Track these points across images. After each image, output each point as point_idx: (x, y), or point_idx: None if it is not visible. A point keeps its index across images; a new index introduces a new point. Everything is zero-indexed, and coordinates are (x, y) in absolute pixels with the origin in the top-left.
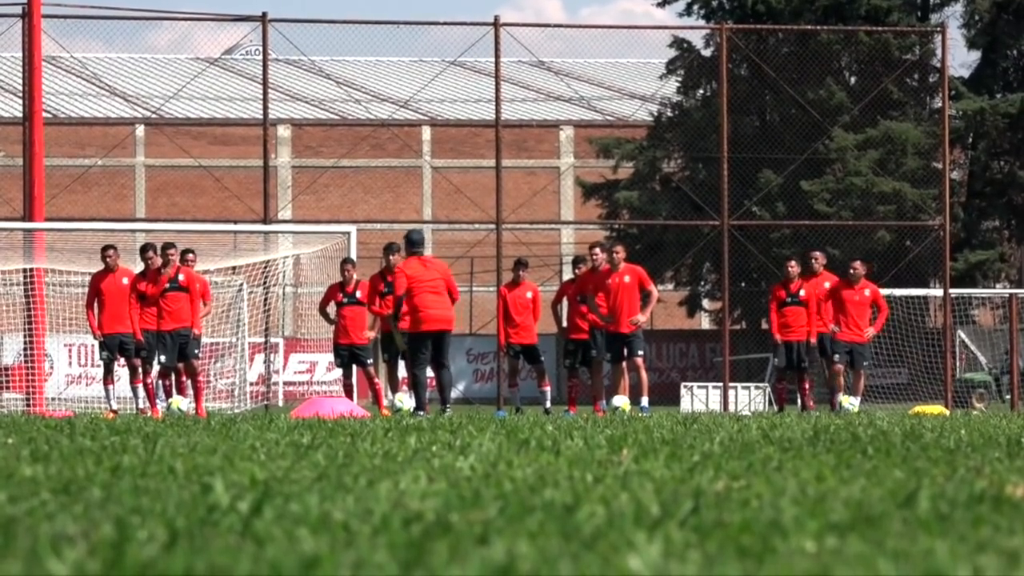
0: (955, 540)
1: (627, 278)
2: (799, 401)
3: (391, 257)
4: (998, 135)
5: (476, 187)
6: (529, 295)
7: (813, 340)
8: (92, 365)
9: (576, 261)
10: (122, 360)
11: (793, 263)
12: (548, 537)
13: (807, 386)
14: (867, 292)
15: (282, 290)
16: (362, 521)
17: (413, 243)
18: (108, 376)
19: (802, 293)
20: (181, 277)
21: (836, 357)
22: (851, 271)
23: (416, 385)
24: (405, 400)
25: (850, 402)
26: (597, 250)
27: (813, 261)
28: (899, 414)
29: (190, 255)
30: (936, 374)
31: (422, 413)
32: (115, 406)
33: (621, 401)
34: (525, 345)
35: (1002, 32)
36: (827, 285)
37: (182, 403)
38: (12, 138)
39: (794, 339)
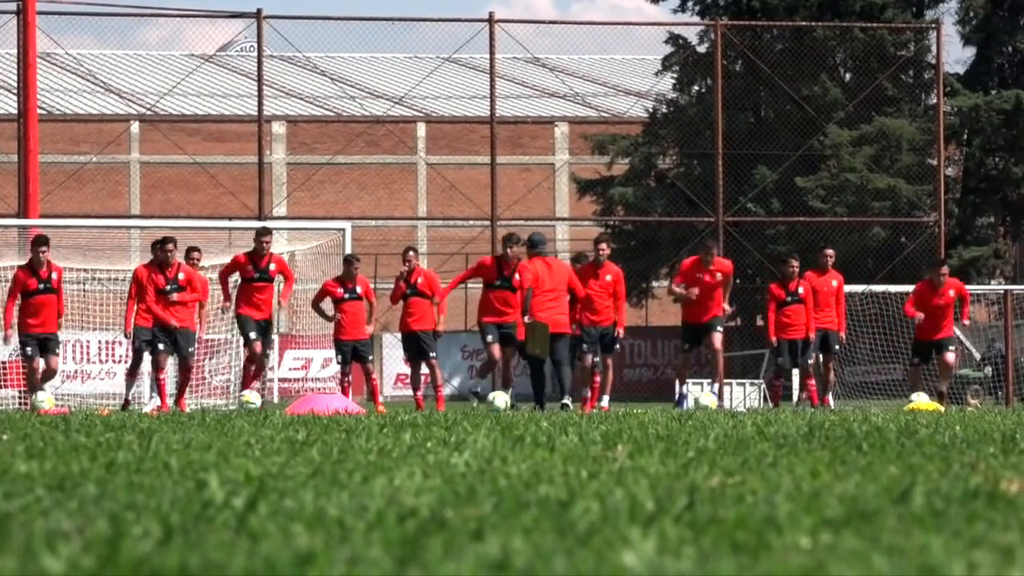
0: (950, 536)
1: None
2: (797, 397)
3: (408, 262)
4: (993, 131)
5: (471, 183)
6: None
7: (812, 335)
8: (87, 362)
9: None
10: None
11: (795, 261)
12: (543, 533)
13: (811, 383)
14: (835, 283)
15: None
16: (357, 517)
17: (535, 244)
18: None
19: (801, 291)
20: (181, 276)
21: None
22: (824, 259)
23: (536, 384)
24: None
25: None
26: (603, 245)
27: (828, 259)
28: (894, 410)
29: (195, 253)
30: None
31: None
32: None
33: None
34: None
35: (997, 28)
36: (835, 283)
37: (253, 396)
38: (7, 135)
39: (797, 337)
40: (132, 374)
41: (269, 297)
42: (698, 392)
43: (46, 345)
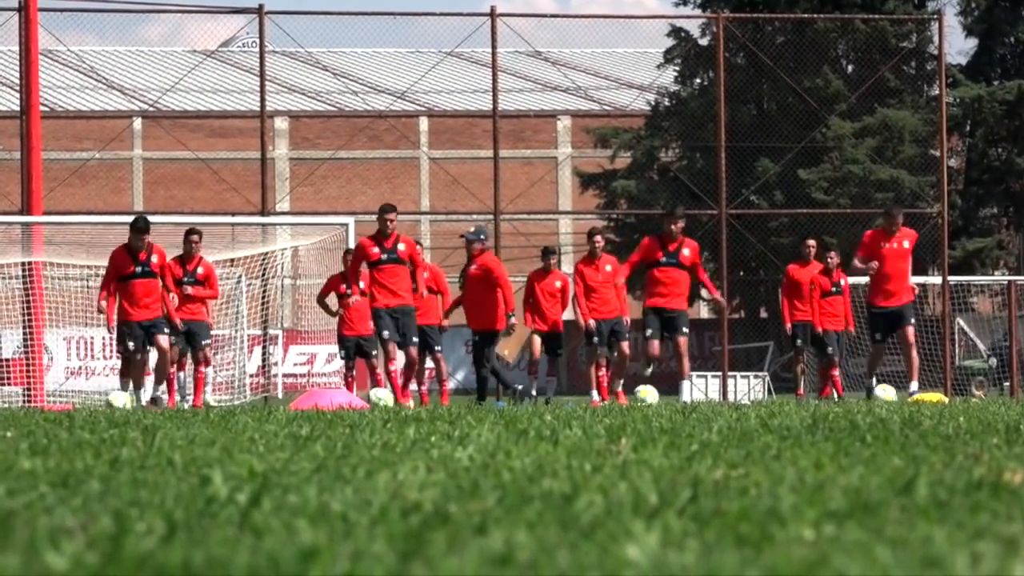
0: (953, 527)
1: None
2: (820, 387)
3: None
4: (995, 122)
5: (473, 178)
6: (558, 284)
7: (851, 329)
8: (91, 358)
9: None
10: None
11: (833, 254)
12: (546, 527)
13: (835, 372)
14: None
15: (280, 282)
16: (360, 512)
17: (488, 236)
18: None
19: (843, 283)
20: (200, 270)
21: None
22: (807, 249)
23: (495, 373)
24: (383, 395)
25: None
26: (598, 237)
27: (811, 251)
28: (898, 402)
29: (194, 236)
30: (935, 362)
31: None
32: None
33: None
34: (548, 333)
35: (999, 19)
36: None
37: (383, 394)
38: (10, 132)
39: (835, 329)
40: (124, 373)
41: (403, 280)
42: (884, 389)
43: (151, 331)
